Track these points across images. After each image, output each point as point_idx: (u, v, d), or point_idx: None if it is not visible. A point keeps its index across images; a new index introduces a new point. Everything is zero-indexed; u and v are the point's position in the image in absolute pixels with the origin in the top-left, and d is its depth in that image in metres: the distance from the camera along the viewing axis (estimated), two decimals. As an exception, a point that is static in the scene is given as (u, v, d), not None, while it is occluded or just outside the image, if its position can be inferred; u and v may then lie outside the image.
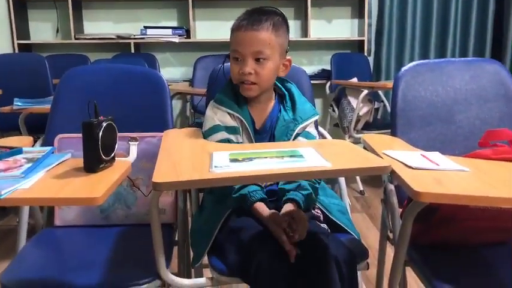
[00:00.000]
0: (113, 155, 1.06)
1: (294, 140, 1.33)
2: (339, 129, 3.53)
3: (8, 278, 1.13)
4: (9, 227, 2.76)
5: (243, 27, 1.28)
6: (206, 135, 1.32)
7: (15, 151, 1.11)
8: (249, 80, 1.29)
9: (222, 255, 1.19)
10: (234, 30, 1.31)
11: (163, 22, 4.02)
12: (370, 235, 2.48)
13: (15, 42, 3.77)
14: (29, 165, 1.02)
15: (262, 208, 1.20)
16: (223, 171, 0.92)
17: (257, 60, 1.28)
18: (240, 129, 1.33)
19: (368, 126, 3.43)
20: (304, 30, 3.99)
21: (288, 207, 1.21)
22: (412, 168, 0.98)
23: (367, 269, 1.23)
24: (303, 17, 4.04)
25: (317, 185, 1.31)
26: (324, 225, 1.25)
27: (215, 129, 1.31)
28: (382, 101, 3.80)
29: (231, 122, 1.32)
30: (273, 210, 1.20)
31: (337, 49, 4.04)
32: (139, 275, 1.13)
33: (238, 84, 1.32)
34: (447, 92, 1.48)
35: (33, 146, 1.41)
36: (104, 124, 1.02)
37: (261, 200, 1.22)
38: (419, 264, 1.19)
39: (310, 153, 1.04)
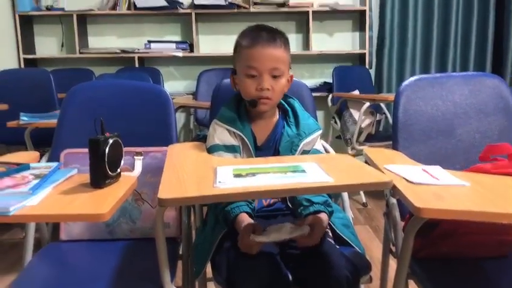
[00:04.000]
0: (118, 170, 1.08)
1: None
2: (341, 141, 3.54)
3: (15, 292, 1.14)
4: (14, 240, 2.77)
5: (259, 44, 1.30)
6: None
7: (23, 167, 1.13)
8: (266, 95, 1.31)
9: (221, 270, 1.20)
10: (248, 47, 1.31)
11: (167, 36, 4.06)
12: (373, 247, 2.48)
13: (21, 57, 3.82)
14: (37, 181, 1.03)
15: (241, 219, 1.19)
16: (227, 187, 0.94)
17: (273, 76, 1.31)
18: (241, 146, 1.34)
19: (370, 138, 3.45)
20: (306, 44, 4.03)
21: (323, 216, 1.21)
22: (413, 183, 0.99)
23: (370, 282, 1.24)
24: (304, 30, 4.08)
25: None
26: (331, 241, 1.26)
27: (213, 148, 1.33)
28: (384, 113, 3.82)
29: (231, 140, 1.33)
30: (249, 222, 1.19)
31: (339, 62, 4.07)
32: (145, 289, 1.14)
33: (255, 100, 1.32)
34: (447, 106, 1.50)
35: (39, 161, 1.43)
36: (110, 141, 1.04)
37: (246, 213, 1.21)
38: (422, 278, 1.20)
39: (312, 168, 1.05)
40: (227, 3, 3.80)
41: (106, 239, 1.46)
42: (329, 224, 1.32)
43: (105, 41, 4.07)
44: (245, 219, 1.20)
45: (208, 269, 1.28)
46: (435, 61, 4.08)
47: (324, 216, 1.21)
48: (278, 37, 1.32)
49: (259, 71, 1.30)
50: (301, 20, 4.10)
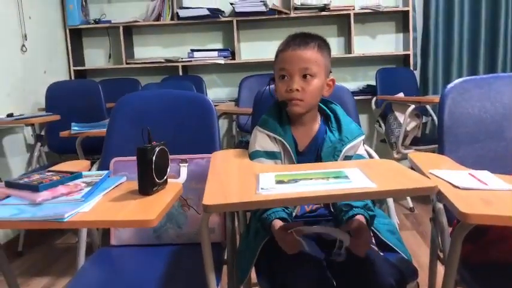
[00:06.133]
0: (165, 177, 1.11)
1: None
2: (386, 145, 3.48)
3: (69, 295, 1.20)
4: (67, 245, 2.89)
5: (290, 47, 1.33)
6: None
7: (76, 176, 1.18)
8: (296, 96, 1.31)
9: (266, 275, 1.22)
10: (281, 51, 1.35)
11: (209, 45, 4.14)
12: (421, 253, 2.42)
13: (72, 68, 4.00)
14: (88, 189, 1.08)
15: (276, 225, 1.20)
16: (269, 193, 0.95)
17: (304, 76, 1.31)
18: (282, 152, 1.35)
19: (416, 142, 3.37)
20: (348, 47, 3.99)
21: (361, 218, 1.20)
22: (459, 188, 0.97)
23: (417, 289, 1.22)
24: (346, 33, 4.05)
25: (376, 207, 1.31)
26: (374, 247, 1.24)
27: (254, 155, 1.35)
28: (431, 115, 3.73)
29: (271, 147, 1.35)
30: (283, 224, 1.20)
31: (382, 64, 4.01)
32: (191, 293, 1.17)
33: (286, 101, 1.34)
34: (496, 108, 1.45)
35: (90, 169, 1.50)
36: (157, 149, 1.08)
37: (280, 219, 1.22)
38: (472, 285, 1.17)
39: (355, 174, 1.05)
40: (268, 9, 3.83)
41: (153, 244, 1.51)
42: (373, 231, 1.31)
43: (150, 51, 4.19)
44: (278, 224, 1.21)
45: (253, 274, 1.29)
46: (483, 61, 3.93)
47: (361, 218, 1.20)
48: (312, 40, 1.33)
49: (289, 73, 1.32)
50: (343, 23, 4.07)
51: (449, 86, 1.48)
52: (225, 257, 1.48)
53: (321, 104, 1.41)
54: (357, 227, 1.16)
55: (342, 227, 1.18)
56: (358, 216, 1.21)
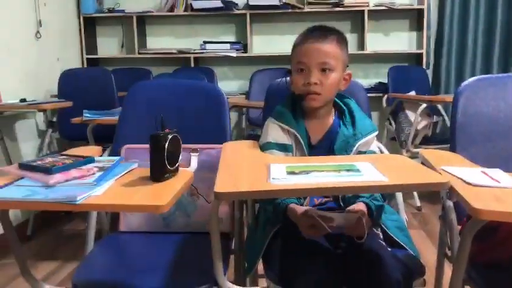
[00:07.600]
0: (177, 165, 1.12)
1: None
2: (395, 143, 3.47)
3: (78, 278, 1.22)
4: (75, 231, 2.92)
5: (309, 40, 1.32)
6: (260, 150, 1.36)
7: (88, 160, 1.19)
8: (314, 90, 1.31)
9: (273, 267, 1.22)
10: (299, 44, 1.35)
11: (222, 37, 4.13)
12: (427, 253, 2.41)
13: (84, 56, 4.01)
14: (100, 173, 1.09)
15: (296, 207, 1.21)
16: (281, 183, 0.95)
17: (323, 70, 1.31)
18: (294, 145, 1.34)
19: (426, 141, 3.35)
20: (361, 43, 3.97)
21: (359, 205, 1.20)
22: (472, 185, 0.96)
23: (424, 286, 1.22)
24: (359, 30, 4.03)
25: (384, 203, 1.31)
26: (382, 243, 1.24)
27: (266, 146, 1.35)
28: (442, 115, 3.70)
29: (284, 139, 1.34)
30: (308, 207, 1.20)
31: (394, 62, 3.98)
32: (199, 281, 1.18)
33: (303, 95, 1.33)
34: (510, 107, 1.44)
35: (101, 155, 1.51)
36: (170, 136, 1.09)
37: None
38: (479, 284, 1.16)
39: (367, 167, 1.05)
40: (281, 3, 3.82)
41: (162, 232, 1.52)
42: (381, 227, 1.31)
43: (162, 41, 4.20)
44: (298, 207, 1.21)
45: (260, 266, 1.30)
46: (497, 61, 3.89)
47: (362, 204, 1.20)
48: (330, 34, 1.34)
49: (307, 66, 1.31)
50: (356, 19, 4.05)
51: (464, 83, 1.47)
52: (232, 247, 1.49)
53: (335, 98, 1.41)
54: (355, 209, 1.17)
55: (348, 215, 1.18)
56: (359, 203, 1.21)
